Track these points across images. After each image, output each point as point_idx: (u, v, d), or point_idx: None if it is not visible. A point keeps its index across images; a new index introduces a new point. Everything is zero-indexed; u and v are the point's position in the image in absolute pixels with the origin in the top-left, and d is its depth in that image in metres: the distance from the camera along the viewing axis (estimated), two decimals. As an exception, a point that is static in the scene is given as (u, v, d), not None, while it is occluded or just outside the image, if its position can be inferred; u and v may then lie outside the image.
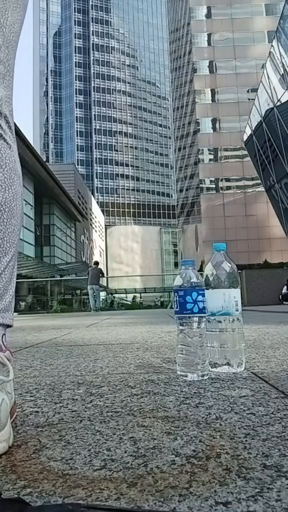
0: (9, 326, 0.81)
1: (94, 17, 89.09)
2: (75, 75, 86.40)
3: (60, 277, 28.06)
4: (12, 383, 0.78)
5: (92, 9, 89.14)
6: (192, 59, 58.26)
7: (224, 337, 1.22)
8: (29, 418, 0.85)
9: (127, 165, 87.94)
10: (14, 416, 0.84)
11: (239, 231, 51.16)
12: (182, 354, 1.17)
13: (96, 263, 14.05)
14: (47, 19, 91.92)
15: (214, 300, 1.23)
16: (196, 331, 1.15)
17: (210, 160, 56.76)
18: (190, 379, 1.16)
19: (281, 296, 13.29)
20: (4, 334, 0.79)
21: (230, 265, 1.26)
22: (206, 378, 1.16)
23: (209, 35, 56.89)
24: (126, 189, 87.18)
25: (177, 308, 1.18)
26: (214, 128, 56.15)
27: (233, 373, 1.24)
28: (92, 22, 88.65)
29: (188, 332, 1.16)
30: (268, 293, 13.11)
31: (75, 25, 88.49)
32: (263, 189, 32.37)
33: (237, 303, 1.25)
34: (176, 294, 1.18)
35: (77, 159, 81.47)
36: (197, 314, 1.16)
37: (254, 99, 27.40)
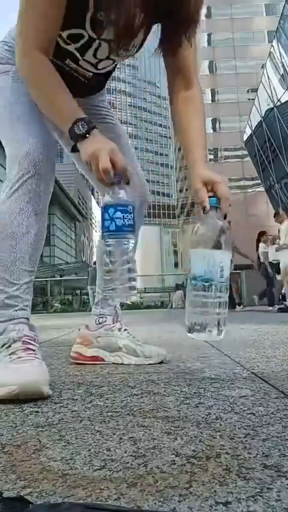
0: None
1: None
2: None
3: (60, 277, 28.02)
4: None
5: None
6: (192, 59, 58.24)
7: (206, 303, 1.09)
8: (29, 418, 0.85)
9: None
10: None
11: (239, 231, 51.17)
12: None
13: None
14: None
15: (197, 263, 1.09)
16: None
17: (210, 160, 56.69)
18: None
19: (281, 296, 13.26)
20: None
21: (218, 223, 1.09)
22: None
23: (209, 35, 56.88)
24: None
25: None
26: (214, 128, 56.13)
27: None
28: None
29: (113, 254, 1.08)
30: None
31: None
32: (263, 189, 32.35)
33: (223, 268, 1.08)
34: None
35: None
36: (115, 232, 1.06)
37: (254, 99, 27.40)
